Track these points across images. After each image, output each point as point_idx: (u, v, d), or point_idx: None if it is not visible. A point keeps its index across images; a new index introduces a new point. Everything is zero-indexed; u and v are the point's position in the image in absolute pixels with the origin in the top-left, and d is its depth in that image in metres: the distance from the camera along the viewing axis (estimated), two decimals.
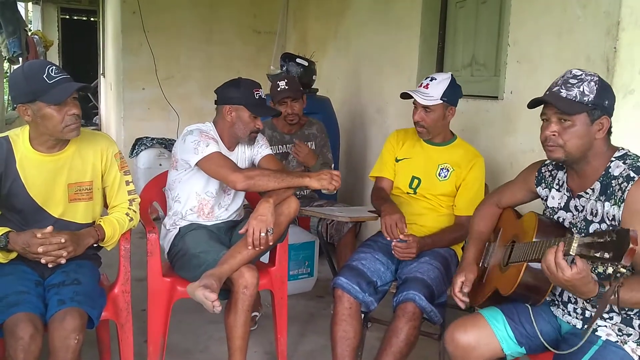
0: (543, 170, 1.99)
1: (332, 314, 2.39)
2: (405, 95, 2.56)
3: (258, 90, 2.51)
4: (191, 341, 2.93)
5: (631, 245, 1.33)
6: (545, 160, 1.97)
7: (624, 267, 1.36)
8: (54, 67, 2.00)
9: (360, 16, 4.67)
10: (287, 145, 3.46)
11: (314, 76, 4.29)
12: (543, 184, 1.97)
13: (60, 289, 2.01)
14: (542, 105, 1.79)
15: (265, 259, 2.69)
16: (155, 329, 2.42)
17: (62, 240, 1.99)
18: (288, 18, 6.18)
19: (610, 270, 1.39)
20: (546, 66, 2.68)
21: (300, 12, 5.99)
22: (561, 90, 1.72)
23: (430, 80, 2.53)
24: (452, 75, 2.57)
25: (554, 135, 1.74)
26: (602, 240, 1.40)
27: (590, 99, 1.69)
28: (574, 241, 1.48)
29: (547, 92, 1.76)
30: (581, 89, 1.69)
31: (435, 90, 2.50)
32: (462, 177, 2.57)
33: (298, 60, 4.21)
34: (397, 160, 2.69)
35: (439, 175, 2.59)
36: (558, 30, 2.59)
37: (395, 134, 2.76)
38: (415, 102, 2.54)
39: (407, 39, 3.89)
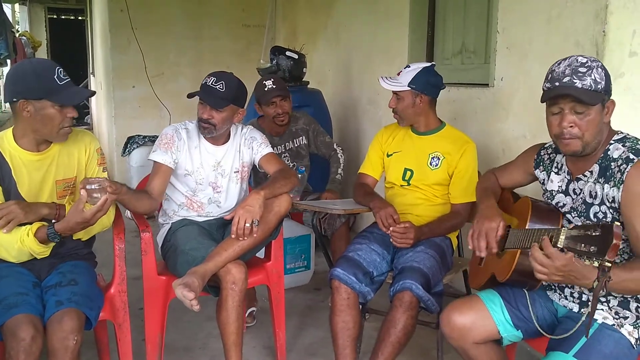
0: (542, 153, 1.99)
1: (331, 305, 2.40)
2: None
3: (210, 77, 2.45)
4: (190, 338, 2.93)
5: (614, 241, 1.34)
6: (546, 143, 1.97)
7: (608, 261, 1.37)
8: (61, 69, 2.02)
9: (349, 7, 4.65)
10: (278, 148, 3.44)
11: (304, 69, 4.28)
12: (541, 167, 1.97)
13: (57, 289, 2.01)
14: (544, 97, 1.74)
15: (261, 254, 2.69)
16: (152, 327, 2.42)
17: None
18: (277, 11, 6.16)
19: (595, 264, 1.40)
20: (536, 52, 2.68)
21: (289, 5, 5.97)
22: (574, 81, 1.66)
23: (404, 68, 2.57)
24: (432, 64, 2.59)
25: (571, 127, 1.70)
26: (589, 233, 1.41)
27: (602, 86, 1.67)
28: (562, 233, 1.49)
29: (557, 84, 1.69)
30: (593, 77, 1.66)
31: (404, 77, 2.53)
32: (454, 164, 2.57)
33: (288, 53, 4.19)
34: (388, 156, 2.70)
35: (430, 164, 2.59)
36: (547, 16, 2.59)
37: (383, 130, 2.77)
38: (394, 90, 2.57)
39: (397, 28, 3.88)
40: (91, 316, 2.00)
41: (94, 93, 2.22)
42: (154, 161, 2.46)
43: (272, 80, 3.35)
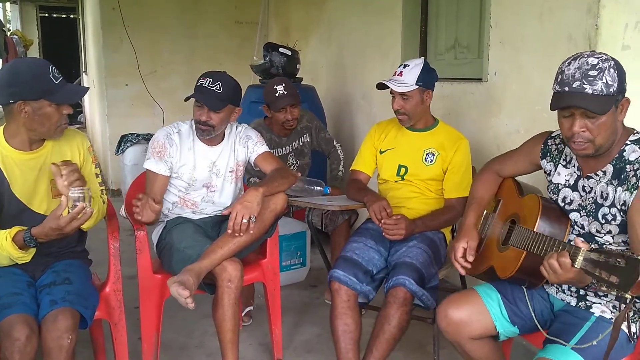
0: (549, 143, 1.92)
1: (331, 307, 2.37)
2: (381, 86, 2.55)
3: (205, 78, 2.41)
4: (186, 337, 2.93)
5: None
6: (553, 132, 1.92)
7: (631, 295, 1.33)
8: (54, 67, 2.02)
9: (341, 2, 4.64)
10: (285, 148, 3.44)
11: (297, 65, 4.27)
12: (548, 157, 1.92)
13: (51, 289, 2.01)
14: (553, 105, 1.68)
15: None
16: (148, 326, 2.42)
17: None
18: (269, 8, 6.14)
19: (613, 293, 1.36)
20: (529, 46, 2.68)
21: (281, 1, 5.95)
22: (584, 86, 1.59)
23: (404, 67, 2.54)
24: (424, 59, 2.59)
25: (583, 131, 1.65)
26: (610, 260, 1.36)
27: (614, 89, 1.60)
28: (580, 254, 1.45)
29: (567, 89, 1.62)
30: (604, 80, 1.58)
31: (409, 76, 2.50)
32: (448, 160, 2.58)
33: (281, 49, 4.19)
34: (381, 152, 2.70)
35: (425, 160, 2.59)
36: (539, 10, 2.59)
37: (376, 127, 2.77)
38: (392, 91, 2.54)
39: (390, 23, 3.87)
40: (86, 315, 2.00)
41: (88, 89, 2.24)
42: (148, 170, 2.46)
43: (284, 85, 3.27)
